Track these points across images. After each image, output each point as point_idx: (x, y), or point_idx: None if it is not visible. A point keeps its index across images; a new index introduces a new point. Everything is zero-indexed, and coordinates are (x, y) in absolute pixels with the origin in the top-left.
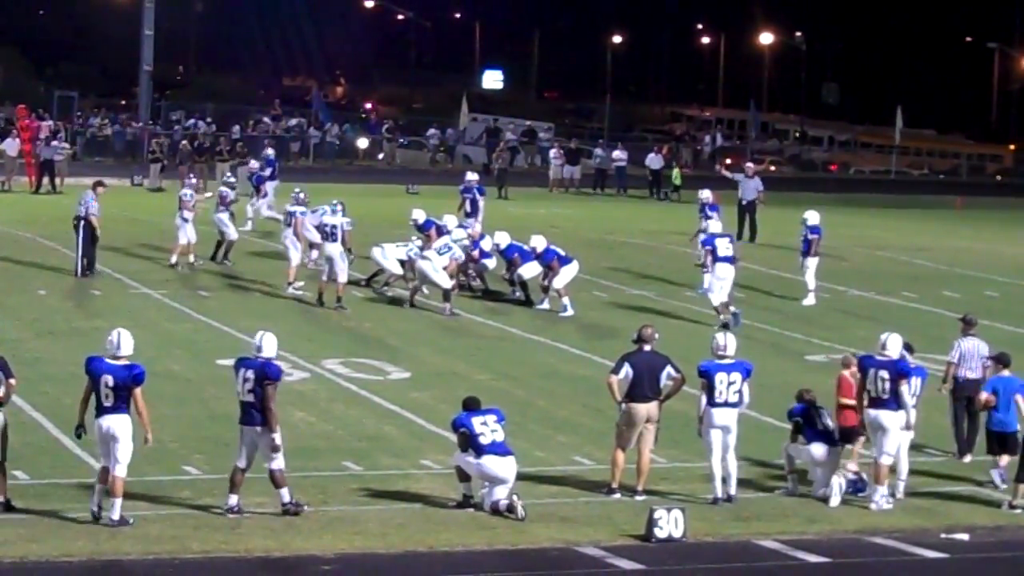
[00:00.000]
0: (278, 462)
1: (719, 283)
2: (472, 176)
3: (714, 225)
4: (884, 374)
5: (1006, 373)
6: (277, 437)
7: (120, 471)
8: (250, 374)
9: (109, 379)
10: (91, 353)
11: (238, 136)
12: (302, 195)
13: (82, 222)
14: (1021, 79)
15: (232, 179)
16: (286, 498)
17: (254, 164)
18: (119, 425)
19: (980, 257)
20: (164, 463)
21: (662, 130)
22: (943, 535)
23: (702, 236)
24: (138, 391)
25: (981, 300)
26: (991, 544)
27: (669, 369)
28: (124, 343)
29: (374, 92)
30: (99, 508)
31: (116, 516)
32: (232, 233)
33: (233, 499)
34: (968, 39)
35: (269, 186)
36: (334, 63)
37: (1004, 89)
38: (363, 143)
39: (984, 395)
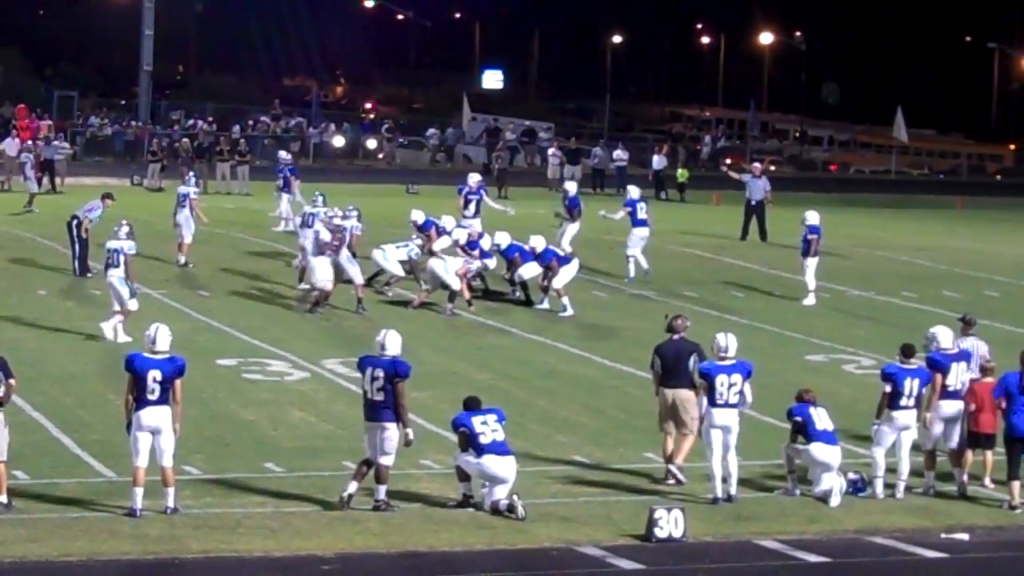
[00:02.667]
0: (389, 459)
1: (568, 232)
2: (474, 177)
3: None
4: (964, 366)
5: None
6: (411, 432)
7: (167, 461)
8: (379, 372)
9: (157, 373)
10: (91, 353)
11: (238, 136)
12: (321, 198)
13: (75, 221)
14: (1021, 79)
15: (193, 178)
16: (381, 495)
17: (285, 156)
18: (163, 417)
19: (980, 257)
20: None
21: (662, 130)
22: (943, 535)
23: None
24: (178, 383)
25: (981, 300)
26: (991, 544)
27: (695, 356)
28: (160, 338)
29: (374, 92)
30: (140, 508)
31: (172, 503)
32: (188, 236)
33: (381, 491)
34: (968, 39)
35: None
36: (334, 63)
37: (1004, 89)
38: (339, 141)
39: None
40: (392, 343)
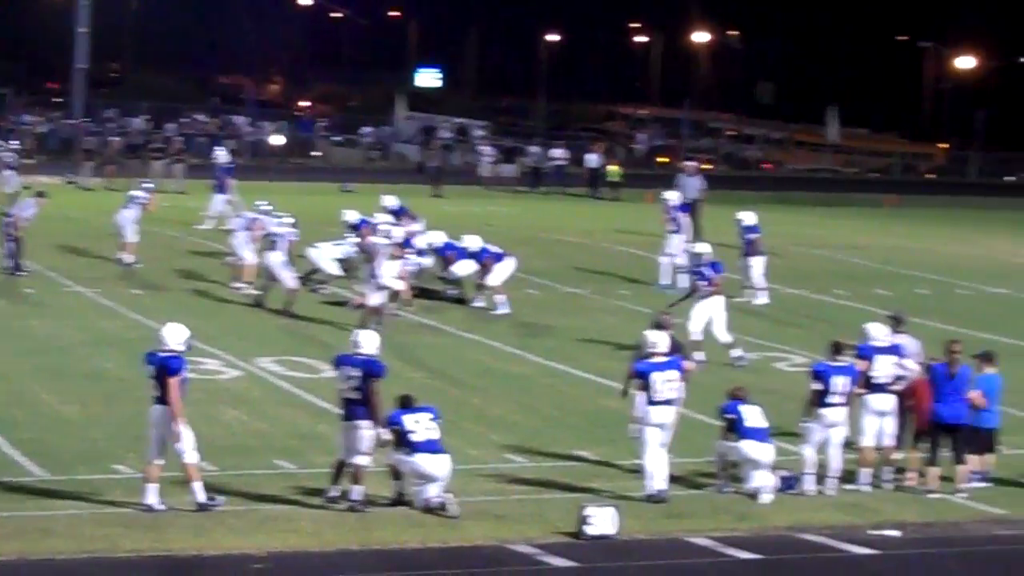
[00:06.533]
0: (365, 459)
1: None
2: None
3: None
4: (893, 359)
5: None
6: (385, 432)
7: (189, 458)
8: (355, 371)
9: (151, 369)
10: (24, 351)
11: (173, 134)
12: (266, 206)
13: (8, 219)
14: (953, 78)
15: (151, 185)
16: (356, 496)
17: (221, 156)
18: (163, 416)
19: (913, 255)
20: (96, 462)
21: (597, 128)
22: (873, 532)
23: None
24: (172, 381)
25: (913, 298)
26: (921, 540)
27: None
28: (166, 334)
29: (310, 90)
30: (151, 507)
31: (201, 498)
32: (131, 235)
33: (356, 491)
34: (901, 38)
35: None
36: (270, 61)
37: (936, 88)
38: (278, 140)
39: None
40: (367, 342)
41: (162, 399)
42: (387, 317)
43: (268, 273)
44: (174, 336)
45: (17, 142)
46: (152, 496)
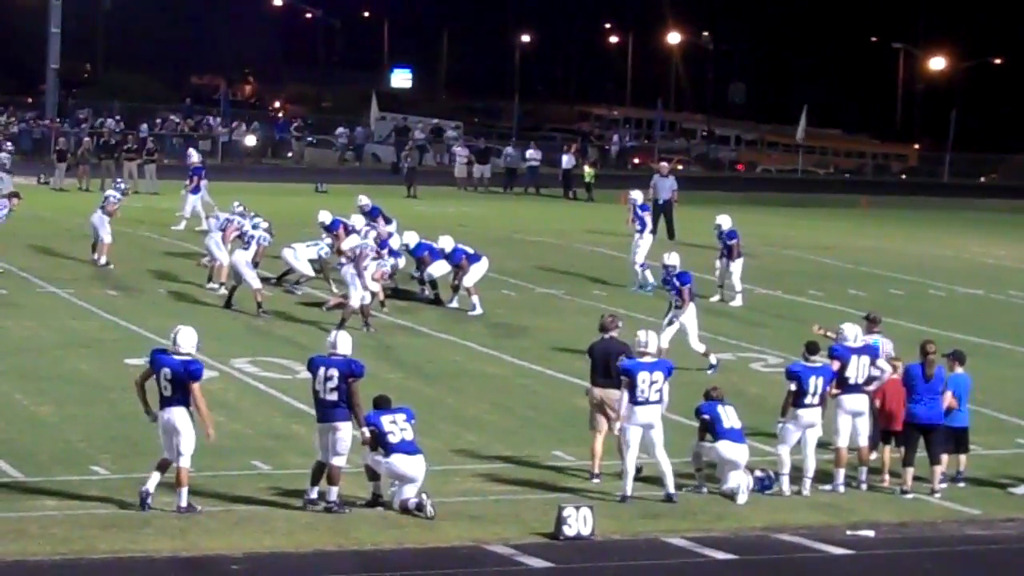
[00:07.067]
0: (342, 459)
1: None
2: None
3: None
4: (867, 360)
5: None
6: (367, 431)
7: (184, 462)
8: (333, 372)
9: (167, 371)
10: None
11: (145, 134)
12: (241, 207)
13: None
14: (925, 79)
15: (122, 184)
16: (333, 497)
17: (192, 157)
18: (178, 417)
19: (885, 256)
20: (72, 463)
21: (570, 129)
22: (849, 532)
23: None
24: (195, 386)
25: (886, 298)
26: (896, 540)
27: (624, 357)
28: (181, 338)
29: (283, 91)
30: (148, 493)
31: (184, 503)
32: (107, 236)
33: (333, 492)
34: (873, 39)
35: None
36: (243, 61)
37: (909, 89)
38: (250, 141)
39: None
40: (343, 343)
41: (173, 401)
42: (372, 317)
43: (234, 272)
44: (188, 340)
45: (11, 144)
46: (152, 483)
